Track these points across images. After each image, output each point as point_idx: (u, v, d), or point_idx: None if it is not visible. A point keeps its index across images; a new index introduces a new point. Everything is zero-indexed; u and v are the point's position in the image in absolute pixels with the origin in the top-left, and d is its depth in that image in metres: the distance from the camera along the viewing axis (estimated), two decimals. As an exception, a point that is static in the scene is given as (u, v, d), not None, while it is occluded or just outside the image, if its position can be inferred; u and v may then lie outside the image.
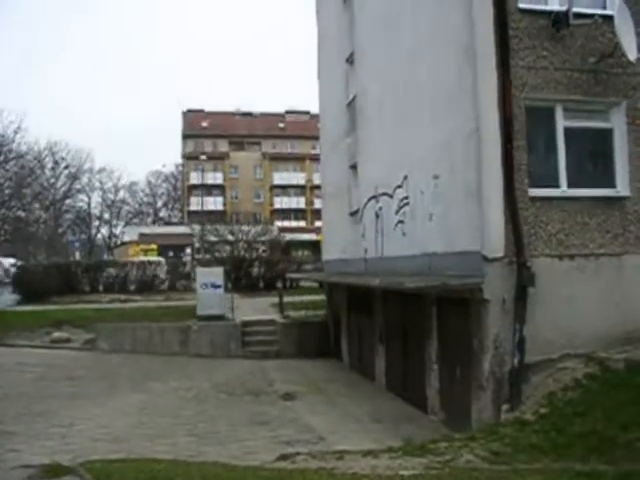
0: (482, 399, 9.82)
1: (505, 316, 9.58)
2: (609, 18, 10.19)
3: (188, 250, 53.48)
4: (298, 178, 75.19)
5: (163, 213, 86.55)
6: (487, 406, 9.70)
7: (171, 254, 52.61)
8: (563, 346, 9.75)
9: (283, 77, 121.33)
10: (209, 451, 9.75)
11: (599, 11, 10.45)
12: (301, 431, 11.10)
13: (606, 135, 10.73)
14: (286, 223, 64.59)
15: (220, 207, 70.53)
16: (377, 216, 14.77)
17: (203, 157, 54.69)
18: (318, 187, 33.86)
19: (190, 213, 69.37)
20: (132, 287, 30.83)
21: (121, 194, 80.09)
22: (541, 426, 8.35)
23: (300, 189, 75.37)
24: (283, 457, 8.54)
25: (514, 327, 9.50)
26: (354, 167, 17.14)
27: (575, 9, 10.07)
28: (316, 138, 26.07)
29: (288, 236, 43.75)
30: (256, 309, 23.56)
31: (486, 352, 9.69)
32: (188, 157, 71.96)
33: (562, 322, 9.78)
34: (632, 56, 10.07)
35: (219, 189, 73.74)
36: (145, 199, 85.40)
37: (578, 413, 8.39)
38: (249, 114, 77.78)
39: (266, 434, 10.94)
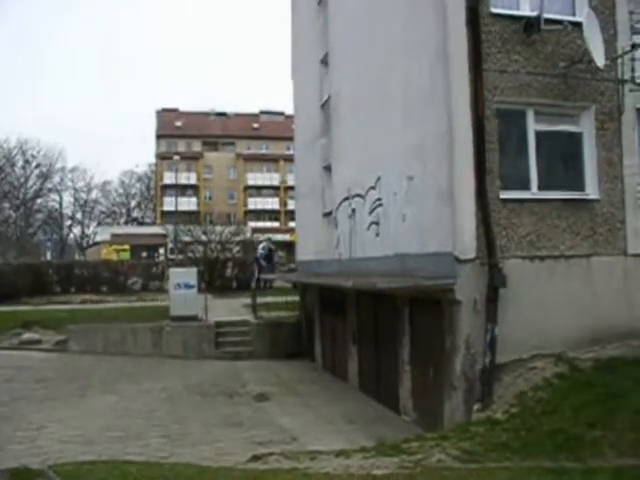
0: (454, 399, 9.91)
1: (477, 317, 9.69)
2: (578, 25, 10.37)
3: (161, 250, 53.06)
4: (272, 179, 75.14)
5: (136, 213, 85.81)
6: (459, 406, 9.79)
7: (144, 254, 52.16)
8: (534, 346, 9.88)
9: (258, 78, 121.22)
10: (182, 452, 9.72)
11: (569, 18, 10.61)
12: (274, 432, 11.10)
13: (576, 139, 10.89)
14: (260, 224, 64.46)
15: (194, 207, 70.19)
16: (350, 217, 14.82)
17: (177, 157, 54.25)
18: (292, 188, 33.84)
19: (163, 213, 68.94)
20: (104, 288, 30.53)
21: (94, 194, 79.42)
22: (511, 425, 8.46)
23: (274, 190, 75.32)
24: (256, 458, 8.56)
25: (485, 327, 9.61)
26: (328, 168, 17.18)
27: (546, 15, 10.24)
28: (290, 139, 26.08)
29: (262, 237, 43.63)
30: (229, 310, 23.46)
31: (458, 352, 9.78)
32: (162, 157, 71.41)
33: (533, 322, 9.91)
34: (600, 62, 10.25)
35: (193, 189, 73.37)
36: (118, 199, 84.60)
37: (547, 412, 8.52)
38: (223, 114, 77.57)
39: (239, 435, 10.93)
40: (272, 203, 74.85)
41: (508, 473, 6.25)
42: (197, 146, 75.61)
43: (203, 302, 21.08)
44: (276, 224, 70.39)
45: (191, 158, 72.49)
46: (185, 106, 75.76)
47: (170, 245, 48.22)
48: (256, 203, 74.63)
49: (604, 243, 10.68)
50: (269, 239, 26.39)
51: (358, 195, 14.17)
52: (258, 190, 75.34)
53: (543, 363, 9.77)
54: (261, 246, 29.42)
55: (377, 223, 12.52)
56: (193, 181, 73.33)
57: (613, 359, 9.69)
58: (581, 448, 7.35)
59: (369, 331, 14.13)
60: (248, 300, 24.12)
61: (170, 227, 45.39)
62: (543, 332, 9.96)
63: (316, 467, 7.73)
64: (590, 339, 10.18)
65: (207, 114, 76.81)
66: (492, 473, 6.40)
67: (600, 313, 10.37)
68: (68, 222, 77.15)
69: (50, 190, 71.61)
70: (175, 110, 75.01)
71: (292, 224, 33.79)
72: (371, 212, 13.27)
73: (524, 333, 9.84)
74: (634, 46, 10.64)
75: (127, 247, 54.97)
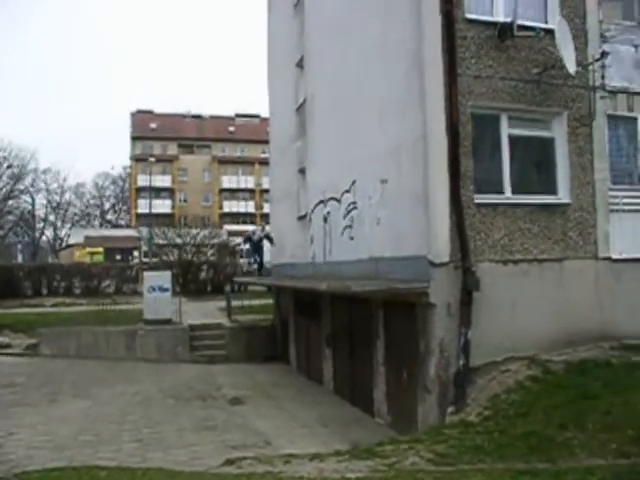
0: (428, 402, 9.95)
1: (451, 320, 9.74)
2: (551, 32, 10.51)
3: (136, 253, 52.60)
4: (247, 182, 75.02)
5: (110, 216, 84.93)
6: (433, 408, 9.83)
7: (118, 257, 51.67)
8: (507, 349, 9.95)
9: (234, 80, 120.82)
10: (155, 457, 9.64)
11: (541, 25, 10.74)
12: (248, 435, 11.06)
13: (548, 144, 11.03)
14: (235, 227, 64.18)
15: (168, 210, 69.79)
16: (325, 220, 14.84)
17: (152, 159, 53.83)
18: (267, 191, 33.80)
19: (138, 216, 68.27)
20: (77, 291, 30.17)
21: (67, 196, 78.29)
22: (485, 427, 8.50)
23: (249, 193, 75.19)
24: (229, 462, 8.50)
25: (459, 331, 9.67)
26: (303, 171, 17.19)
27: (519, 21, 10.37)
28: (266, 142, 26.05)
29: (237, 240, 43.47)
30: (204, 313, 23.35)
31: (432, 355, 9.83)
32: (136, 159, 70.81)
33: (506, 325, 10.00)
34: (571, 69, 10.41)
35: (167, 192, 72.87)
36: (92, 201, 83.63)
37: (520, 414, 8.59)
38: (199, 117, 77.22)
39: (213, 439, 10.87)
40: (247, 206, 74.71)
41: (481, 475, 6.28)
42: (172, 148, 75.13)
43: (177, 305, 20.95)
44: (251, 227, 70.12)
45: (166, 160, 72.02)
46: (160, 108, 75.28)
47: (144, 248, 47.83)
48: (231, 206, 74.41)
49: (576, 247, 10.82)
50: (263, 226, 24.63)
51: (333, 198, 14.19)
52: (233, 193, 75.13)
53: (516, 366, 9.84)
54: (256, 231, 24.62)
55: (351, 227, 12.54)
56: (168, 184, 72.85)
57: (585, 361, 9.80)
58: (553, 449, 7.41)
59: (344, 334, 14.14)
60: (223, 303, 24.05)
61: (144, 230, 45.03)
62: (516, 335, 10.04)
63: (290, 471, 7.69)
64: (563, 342, 10.30)
65: (182, 116, 76.39)
66: (465, 475, 6.42)
67: (572, 316, 10.50)
68: (40, 224, 76.06)
69: (22, 192, 70.43)
70: (150, 112, 74.49)
71: (268, 228, 33.70)
72: (346, 215, 13.29)
73: (498, 336, 9.91)
74: (604, 54, 10.82)
75: (101, 250, 54.38)
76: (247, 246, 24.78)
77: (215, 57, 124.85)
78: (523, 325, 10.12)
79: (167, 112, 74.50)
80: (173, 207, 71.74)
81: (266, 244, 22.81)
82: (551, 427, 7.95)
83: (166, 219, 57.18)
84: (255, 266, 23.78)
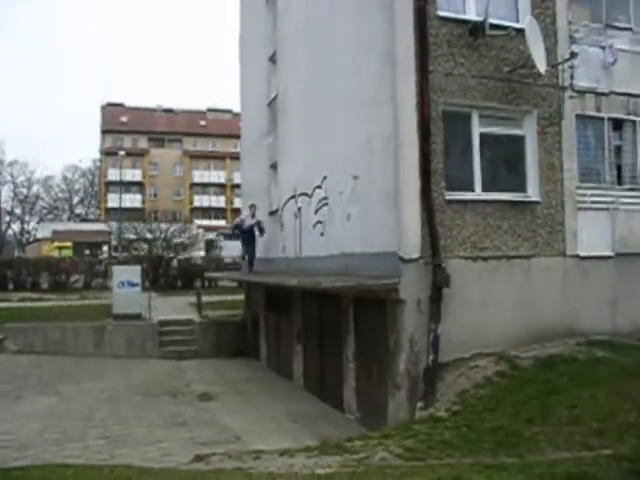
0: (397, 397, 9.99)
1: (420, 316, 9.79)
2: (522, 31, 10.59)
3: (105, 248, 51.98)
4: (219, 176, 74.75)
5: (79, 210, 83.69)
6: (402, 404, 9.87)
7: (87, 252, 50.99)
8: (476, 345, 10.05)
9: (206, 75, 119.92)
10: (123, 454, 9.53)
11: (513, 24, 10.81)
12: (218, 431, 11.02)
13: (518, 142, 11.13)
14: (206, 222, 63.88)
15: (139, 204, 69.14)
16: (296, 216, 14.83)
17: (122, 153, 53.27)
18: (238, 186, 33.66)
19: (108, 210, 67.60)
20: (45, 286, 29.69)
21: (35, 189, 76.98)
22: (453, 423, 8.57)
23: (220, 188, 74.89)
24: (198, 458, 8.45)
25: (429, 327, 9.73)
26: (274, 166, 17.15)
27: (491, 20, 10.40)
28: (237, 137, 25.95)
29: (208, 235, 43.31)
30: (174, 308, 23.16)
31: (402, 351, 9.86)
32: (106, 153, 70.05)
33: (475, 322, 10.09)
34: (542, 68, 10.52)
35: (138, 186, 72.25)
36: (61, 195, 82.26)
37: (488, 409, 8.67)
38: (170, 111, 76.53)
39: (182, 435, 10.80)
40: (218, 201, 74.41)
41: (449, 470, 6.33)
42: (143, 142, 74.43)
43: (147, 300, 20.75)
44: (222, 222, 69.88)
45: (137, 154, 71.43)
46: (131, 101, 74.53)
47: (114, 242, 47.32)
48: (202, 201, 74.07)
49: (544, 244, 10.95)
50: (253, 212, 18.08)
51: (304, 194, 14.18)
52: (204, 188, 74.75)
53: (485, 362, 9.95)
54: (245, 218, 18.74)
55: (322, 222, 12.54)
56: (138, 178, 72.23)
57: (552, 357, 9.95)
58: (520, 444, 7.49)
59: (314, 330, 14.14)
60: (193, 299, 23.88)
61: (114, 224, 44.54)
62: (485, 331, 10.15)
63: (259, 467, 7.67)
64: (531, 338, 10.43)
65: (153, 110, 75.69)
66: (434, 470, 6.46)
67: (540, 312, 10.64)
68: (7, 218, 74.75)
69: (-13, 184, 69.24)
70: (121, 105, 73.71)
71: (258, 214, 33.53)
72: (317, 211, 13.29)
73: (467, 332, 10.00)
74: (573, 54, 10.97)
75: (69, 244, 53.60)
76: (236, 235, 19.14)
77: (187, 51, 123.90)
78: (492, 321, 10.23)
79: (138, 105, 73.74)
80: (143, 201, 71.15)
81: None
82: (518, 422, 8.04)
83: (136, 213, 56.58)
84: (245, 259, 18.78)
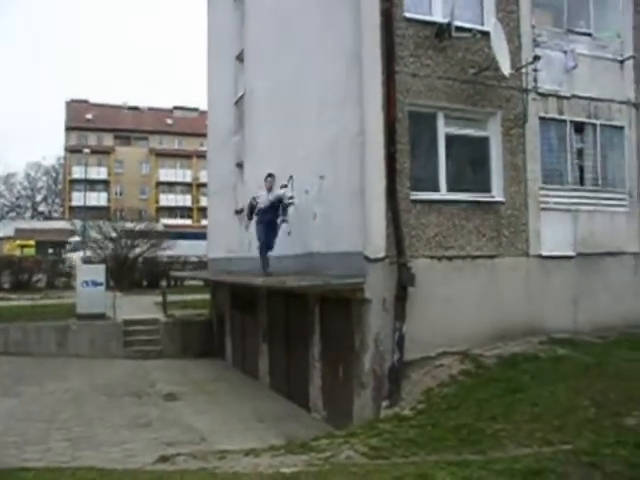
0: (363, 396, 10.04)
1: (386, 315, 9.85)
2: (487, 34, 10.75)
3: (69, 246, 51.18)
4: (185, 175, 74.19)
5: (43, 208, 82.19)
6: (368, 403, 9.93)
7: (51, 251, 50.13)
8: (441, 344, 10.15)
9: (173, 73, 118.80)
10: (85, 456, 9.39)
11: (478, 27, 10.97)
12: (183, 432, 10.94)
13: (483, 143, 11.29)
14: (172, 221, 63.33)
15: (104, 203, 68.27)
16: (262, 215, 14.70)
17: (87, 150, 52.46)
18: (205, 185, 33.43)
19: (72, 208, 66.56)
20: (6, 285, 29.13)
21: (-4, 186, 75.46)
22: (418, 421, 8.63)
23: (187, 186, 74.33)
24: (163, 459, 8.39)
25: (394, 326, 9.79)
26: (241, 165, 17.09)
27: (456, 22, 10.53)
28: (204, 135, 25.75)
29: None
30: (139, 308, 22.88)
31: (367, 350, 9.92)
32: (71, 150, 68.97)
33: (440, 321, 10.18)
34: (506, 70, 10.68)
35: (103, 184, 71.32)
36: (23, 192, 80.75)
37: (452, 407, 8.76)
38: (136, 108, 75.72)
39: (147, 436, 10.70)
40: (184, 200, 73.85)
41: (413, 467, 6.38)
42: (108, 140, 73.47)
43: (111, 300, 20.50)
44: (188, 221, 69.40)
45: (102, 152, 70.48)
46: (96, 98, 73.47)
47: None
48: (168, 199, 73.44)
49: (508, 244, 11.11)
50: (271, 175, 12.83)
51: (271, 193, 14.08)
52: (170, 186, 74.12)
53: (450, 360, 10.06)
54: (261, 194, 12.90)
55: (288, 221, 12.52)
56: (104, 176, 71.31)
57: (515, 355, 10.09)
58: (483, 441, 7.57)
59: (280, 329, 14.13)
60: (159, 298, 23.66)
61: (78, 222, 43.88)
62: (450, 330, 10.25)
63: (225, 467, 7.64)
64: (495, 336, 10.58)
65: (119, 107, 74.78)
66: (398, 468, 6.51)
67: (504, 312, 10.80)
68: (-33, 216, 73.17)
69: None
70: (86, 102, 72.65)
71: (205, 221, 33.32)
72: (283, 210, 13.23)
73: (432, 331, 10.09)
74: (536, 58, 11.18)
75: (32, 243, 52.67)
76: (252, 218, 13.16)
77: (153, 48, 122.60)
78: (457, 320, 10.33)
79: (103, 102, 72.79)
80: (109, 200, 70.24)
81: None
82: (482, 419, 8.14)
83: (101, 212, 55.85)
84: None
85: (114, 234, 32.72)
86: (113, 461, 8.90)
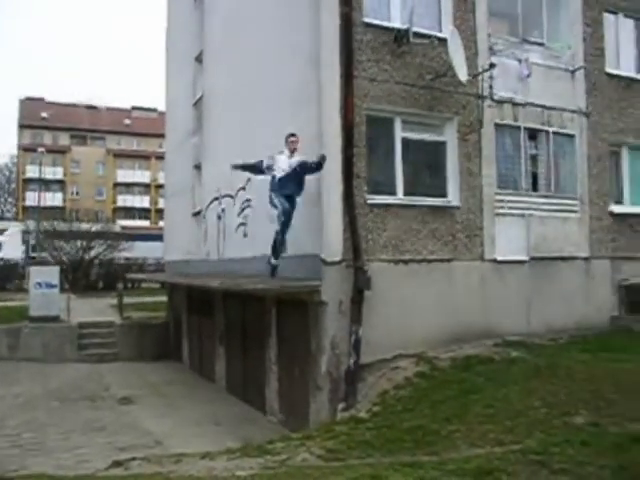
0: (319, 399, 10.06)
1: (342, 318, 9.90)
2: (444, 41, 10.91)
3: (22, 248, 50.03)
4: (143, 176, 73.30)
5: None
6: (324, 405, 9.95)
7: (2, 251, 48.93)
8: (397, 346, 10.24)
9: (131, 72, 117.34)
10: (36, 462, 9.20)
11: (436, 33, 11.13)
12: (138, 436, 10.82)
13: (440, 148, 11.43)
14: (129, 222, 62.50)
15: (59, 203, 66.95)
16: (219, 217, 14.72)
17: (41, 150, 51.42)
18: (163, 186, 33.09)
19: (25, 209, 65.14)
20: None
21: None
22: (374, 423, 8.68)
23: (145, 188, 73.46)
24: (117, 464, 8.26)
25: (350, 329, 9.84)
26: (199, 167, 16.99)
27: (415, 29, 10.66)
28: (163, 136, 25.51)
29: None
30: (94, 310, 22.56)
31: (323, 353, 9.94)
32: (25, 149, 67.54)
33: (396, 324, 10.27)
34: (462, 77, 10.85)
35: (58, 184, 70.00)
36: (-27, 191, 78.86)
37: (408, 409, 8.84)
38: (93, 107, 74.53)
39: (101, 441, 10.54)
40: (142, 201, 72.95)
41: (368, 469, 6.42)
42: (64, 139, 72.19)
43: (66, 302, 20.13)
44: (146, 222, 68.58)
45: (57, 151, 69.23)
46: (52, 96, 72.12)
47: (32, 242, 45.63)
48: (126, 201, 72.45)
49: (463, 248, 11.27)
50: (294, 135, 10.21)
51: (228, 195, 14.09)
52: (128, 187, 73.16)
53: (405, 363, 10.15)
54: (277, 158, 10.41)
55: (246, 224, 12.50)
56: (59, 176, 70.02)
57: (469, 358, 10.23)
58: (437, 442, 7.66)
59: (237, 332, 14.08)
60: (115, 300, 23.34)
61: (32, 223, 42.96)
62: (406, 333, 10.36)
63: (180, 470, 7.57)
64: (450, 339, 10.72)
65: (75, 106, 73.47)
66: (353, 470, 6.54)
67: (459, 315, 10.95)
68: None
69: None
70: (41, 99, 71.21)
71: (162, 223, 32.98)
72: (240, 213, 13.23)
73: (388, 334, 10.17)
74: (492, 65, 11.38)
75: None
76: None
77: (112, 47, 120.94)
78: (412, 323, 10.44)
79: (59, 101, 71.47)
80: (64, 200, 68.94)
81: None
82: (437, 421, 8.23)
83: (56, 212, 54.77)
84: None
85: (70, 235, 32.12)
86: (64, 467, 8.76)
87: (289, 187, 9.85)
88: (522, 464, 5.87)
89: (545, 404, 8.20)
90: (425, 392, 9.29)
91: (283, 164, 9.98)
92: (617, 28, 14.00)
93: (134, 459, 8.39)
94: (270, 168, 10.18)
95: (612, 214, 13.45)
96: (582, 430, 7.32)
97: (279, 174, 10.00)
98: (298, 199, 10.07)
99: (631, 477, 5.50)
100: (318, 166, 9.75)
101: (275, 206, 9.87)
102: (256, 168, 10.57)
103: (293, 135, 10.11)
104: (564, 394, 8.50)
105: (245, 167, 10.99)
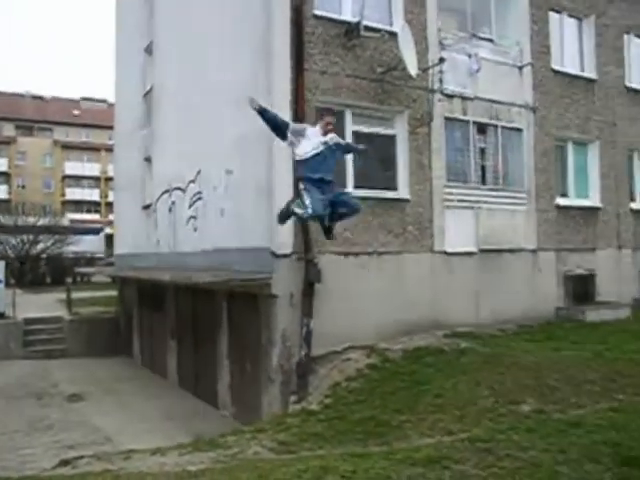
0: (271, 392, 10.07)
1: (293, 311, 9.92)
2: (395, 35, 10.97)
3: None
4: (93, 169, 71.70)
5: None
6: (276, 398, 9.97)
7: None
8: (348, 338, 10.29)
9: (80, 62, 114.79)
10: (-23, 465, 8.96)
11: (387, 27, 11.21)
12: (87, 433, 10.64)
13: (390, 141, 11.52)
14: (79, 215, 61.28)
15: (4, 196, 65.13)
16: (170, 211, 14.57)
17: (-15, 141, 50.09)
18: (113, 179, 32.54)
19: (-32, 201, 63.22)
20: None
21: None
22: (325, 415, 8.73)
23: (94, 180, 71.93)
24: (64, 462, 8.10)
25: (301, 321, 9.87)
26: (149, 160, 16.74)
27: (365, 22, 10.70)
28: (113, 128, 25.06)
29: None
30: (42, 306, 22.00)
31: (274, 346, 9.95)
32: (-34, 140, 65.52)
33: (347, 316, 10.32)
34: (413, 71, 10.94)
35: (3, 176, 68.03)
36: None
37: (359, 401, 8.91)
38: (40, 97, 72.56)
39: (48, 439, 10.34)
40: (92, 194, 71.42)
41: (319, 460, 6.45)
42: (9, 130, 70.04)
43: (11, 297, 19.62)
44: (96, 216, 67.27)
45: (2, 142, 67.21)
46: (-4, 86, 70.00)
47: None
48: (75, 194, 70.77)
49: (413, 241, 11.39)
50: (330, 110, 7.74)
51: (178, 188, 13.95)
52: (77, 180, 71.49)
53: (356, 354, 10.22)
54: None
55: (196, 217, 12.40)
56: (4, 168, 67.94)
57: (420, 349, 10.36)
58: (388, 432, 7.76)
59: (188, 326, 13.97)
60: (63, 295, 22.86)
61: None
62: (357, 325, 10.41)
63: (130, 467, 7.47)
64: (401, 330, 10.84)
65: (21, 95, 71.43)
66: (304, 461, 6.56)
67: (410, 306, 11.07)
68: None
69: None
70: (-16, 89, 69.01)
71: (113, 216, 32.45)
72: (191, 206, 13.12)
73: (339, 326, 10.21)
74: (442, 60, 11.53)
75: None
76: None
77: (59, 36, 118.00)
78: (364, 315, 10.51)
79: (4, 90, 69.38)
80: (10, 193, 67.04)
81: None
82: (387, 412, 8.32)
83: (1, 206, 53.37)
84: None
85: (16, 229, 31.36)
86: (8, 469, 8.54)
87: (321, 169, 7.03)
88: (470, 452, 5.98)
89: (493, 393, 8.38)
90: (376, 383, 9.37)
91: (314, 137, 7.15)
92: (562, 27, 14.38)
93: (82, 457, 8.23)
94: (298, 133, 7.23)
95: (558, 207, 13.81)
96: (528, 417, 7.52)
97: (307, 150, 7.06)
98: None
99: (569, 459, 5.67)
100: (354, 151, 8.46)
101: (304, 207, 6.79)
102: (278, 123, 7.44)
103: (331, 114, 7.39)
104: (511, 383, 8.70)
105: (265, 113, 7.48)
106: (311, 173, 6.98)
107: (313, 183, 6.90)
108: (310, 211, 6.73)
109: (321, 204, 6.74)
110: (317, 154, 7.02)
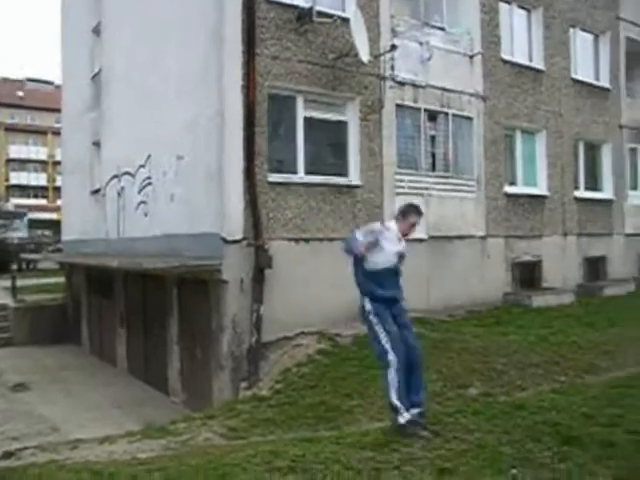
0: (221, 378, 10.04)
1: (243, 297, 9.88)
2: (347, 20, 10.96)
3: None
4: (39, 153, 69.86)
5: None
6: (226, 384, 9.94)
7: None
8: (299, 324, 10.31)
9: (25, 43, 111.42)
10: None
11: (339, 13, 11.18)
12: (33, 423, 10.38)
13: (342, 127, 11.55)
14: (24, 200, 59.73)
15: (-56, 180, 63.15)
16: (119, 196, 14.31)
17: None
18: (60, 163, 31.80)
19: None
20: None
21: None
22: (276, 401, 8.76)
23: (41, 164, 70.11)
24: (7, 454, 7.88)
25: (252, 307, 9.85)
26: (97, 144, 16.40)
27: (318, 7, 10.66)
28: (60, 111, 24.46)
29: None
30: (-16, 294, 21.49)
31: (225, 332, 9.90)
32: None
33: (298, 302, 10.36)
34: (365, 58, 10.96)
35: (-57, 160, 65.89)
36: None
37: (310, 386, 8.96)
38: (-19, 78, 70.31)
39: (-10, 432, 10.07)
40: (38, 179, 69.63)
41: (270, 445, 6.47)
42: (-51, 112, 67.82)
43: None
44: (43, 201, 65.69)
45: (-60, 125, 65.00)
46: None
47: None
48: (20, 178, 68.89)
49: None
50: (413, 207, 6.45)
51: (128, 173, 13.71)
52: (23, 164, 69.57)
53: (307, 340, 10.25)
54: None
55: (146, 202, 12.22)
56: (-57, 151, 65.86)
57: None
58: (339, 417, 7.84)
59: (138, 313, 13.80)
60: (8, 282, 22.28)
61: None
62: (308, 311, 10.45)
63: (77, 457, 7.35)
64: (352, 316, 10.68)
65: (-38, 76, 69.13)
66: (254, 447, 6.57)
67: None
68: None
69: None
70: None
71: (60, 202, 31.75)
72: (140, 191, 12.92)
73: (290, 312, 10.24)
74: (393, 47, 11.58)
75: None
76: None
77: (2, 14, 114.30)
78: (314, 301, 10.54)
79: (-57, 70, 67.09)
80: (-50, 177, 65.05)
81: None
82: (338, 397, 8.40)
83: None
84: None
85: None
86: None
87: (393, 285, 6.43)
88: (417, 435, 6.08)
89: (442, 377, 8.55)
90: (327, 369, 9.43)
91: (388, 243, 6.19)
92: (512, 17, 14.61)
93: (26, 448, 8.06)
94: (376, 244, 6.16)
95: (506, 194, 14.08)
96: (475, 400, 7.69)
97: (379, 261, 6.24)
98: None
99: (512, 440, 5.82)
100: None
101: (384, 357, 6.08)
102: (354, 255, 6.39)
103: (418, 213, 6.42)
104: (459, 367, 8.87)
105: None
106: (383, 290, 6.18)
107: (385, 304, 6.18)
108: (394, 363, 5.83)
109: (402, 348, 5.81)
110: (389, 268, 6.18)
